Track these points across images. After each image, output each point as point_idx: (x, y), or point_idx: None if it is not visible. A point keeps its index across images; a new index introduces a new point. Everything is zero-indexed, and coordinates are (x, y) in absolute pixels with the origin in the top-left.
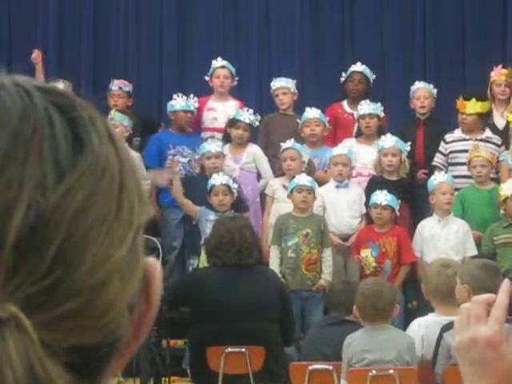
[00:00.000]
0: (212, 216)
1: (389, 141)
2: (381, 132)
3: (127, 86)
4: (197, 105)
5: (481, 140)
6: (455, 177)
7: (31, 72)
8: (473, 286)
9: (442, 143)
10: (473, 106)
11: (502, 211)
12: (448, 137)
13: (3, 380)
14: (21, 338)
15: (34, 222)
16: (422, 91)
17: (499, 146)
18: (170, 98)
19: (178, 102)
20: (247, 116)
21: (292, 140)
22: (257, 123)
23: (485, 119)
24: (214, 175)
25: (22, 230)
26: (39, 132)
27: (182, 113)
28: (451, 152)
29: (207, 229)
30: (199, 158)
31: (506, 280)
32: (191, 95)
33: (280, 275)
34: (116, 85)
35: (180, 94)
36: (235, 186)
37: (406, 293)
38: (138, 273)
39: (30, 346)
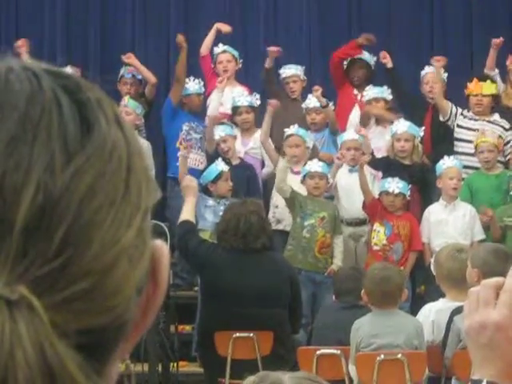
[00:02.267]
0: (211, 201)
1: (402, 126)
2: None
3: (139, 74)
4: (203, 89)
5: (489, 122)
6: (458, 153)
7: (35, 57)
8: (482, 271)
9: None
10: (489, 87)
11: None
12: (464, 112)
13: (14, 361)
14: (31, 320)
15: (42, 204)
16: (431, 76)
17: (507, 129)
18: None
19: (191, 86)
20: (244, 99)
21: (296, 126)
22: (258, 102)
23: (497, 101)
24: (217, 162)
25: (31, 212)
26: (47, 114)
27: (195, 96)
28: (458, 126)
29: (206, 214)
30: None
31: None
32: (199, 79)
33: (288, 246)
34: (129, 72)
35: (192, 78)
36: None
37: (413, 278)
38: (146, 255)
39: (41, 327)
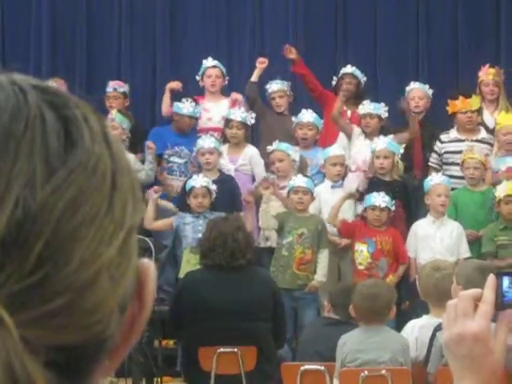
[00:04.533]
0: (189, 218)
1: (381, 143)
2: (382, 132)
3: (122, 87)
4: (198, 114)
5: (476, 141)
6: (449, 177)
7: (23, 70)
8: (466, 287)
9: (438, 143)
10: (475, 102)
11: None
12: (444, 137)
13: None
14: (1, 335)
15: (21, 219)
16: (417, 91)
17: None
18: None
19: (186, 107)
20: (239, 114)
21: (277, 141)
22: (252, 121)
23: (479, 115)
24: (194, 176)
25: (9, 227)
26: (31, 129)
27: (187, 118)
28: (446, 152)
29: (186, 232)
30: (194, 156)
31: (492, 275)
32: (198, 103)
33: (271, 268)
34: (111, 86)
35: (189, 99)
36: (214, 187)
37: (398, 293)
38: (130, 273)
39: (10, 342)
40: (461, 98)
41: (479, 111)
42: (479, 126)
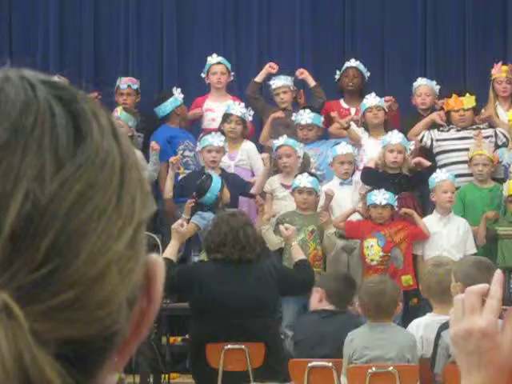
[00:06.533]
0: None
1: (396, 137)
2: (387, 127)
3: (135, 84)
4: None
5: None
6: (447, 165)
7: (31, 66)
8: (465, 284)
9: (436, 130)
10: (469, 101)
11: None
12: (441, 128)
13: None
14: (11, 327)
15: (30, 212)
16: (424, 88)
17: (487, 137)
18: (172, 95)
19: (180, 97)
20: (239, 109)
21: (285, 136)
22: (250, 118)
23: (476, 113)
24: (211, 173)
25: (19, 220)
26: (40, 124)
27: (184, 105)
28: (438, 140)
29: None
30: (199, 151)
31: (499, 271)
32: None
33: None
34: (124, 83)
35: (179, 90)
36: None
37: (406, 290)
38: (139, 268)
39: (20, 334)
40: (454, 96)
41: (475, 110)
42: (475, 126)
